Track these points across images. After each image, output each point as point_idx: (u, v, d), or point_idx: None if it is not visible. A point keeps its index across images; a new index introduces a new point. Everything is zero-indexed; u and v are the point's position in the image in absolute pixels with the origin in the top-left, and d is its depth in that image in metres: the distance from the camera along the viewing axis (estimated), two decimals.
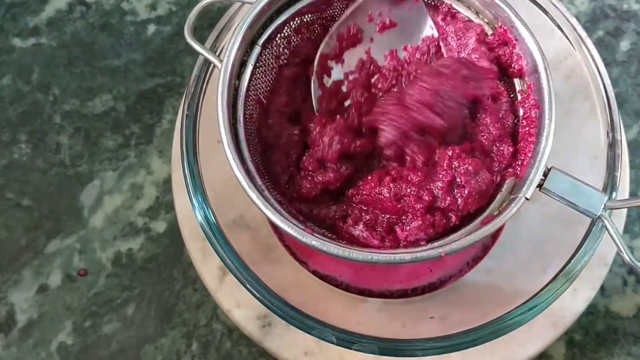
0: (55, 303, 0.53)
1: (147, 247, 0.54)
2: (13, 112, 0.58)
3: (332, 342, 0.40)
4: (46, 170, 0.56)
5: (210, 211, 0.42)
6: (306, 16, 0.45)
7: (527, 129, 0.41)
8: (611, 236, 0.38)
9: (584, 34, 0.44)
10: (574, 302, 0.46)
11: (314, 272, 0.48)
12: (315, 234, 0.38)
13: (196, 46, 0.42)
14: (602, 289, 0.52)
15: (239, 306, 0.47)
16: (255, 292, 0.41)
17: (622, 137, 0.43)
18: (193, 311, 0.52)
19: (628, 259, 0.37)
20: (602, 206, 0.38)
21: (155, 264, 0.54)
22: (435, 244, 0.38)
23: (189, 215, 0.47)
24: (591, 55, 0.44)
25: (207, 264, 0.48)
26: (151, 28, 0.61)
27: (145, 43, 0.61)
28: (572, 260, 0.41)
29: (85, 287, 0.53)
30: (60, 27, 0.61)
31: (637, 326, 0.51)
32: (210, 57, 0.42)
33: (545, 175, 0.38)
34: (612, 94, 0.43)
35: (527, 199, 0.38)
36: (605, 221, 0.38)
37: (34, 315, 0.52)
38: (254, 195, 0.38)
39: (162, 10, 0.62)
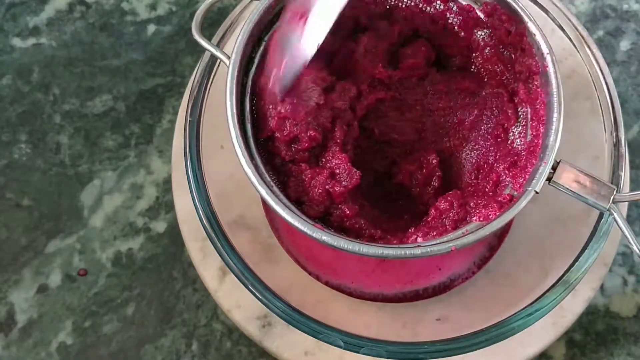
0: (55, 303, 0.53)
1: (147, 247, 0.54)
2: (13, 112, 0.58)
3: (339, 347, 0.40)
4: (46, 170, 0.56)
5: (212, 212, 0.43)
6: None
7: (534, 124, 0.41)
8: (620, 228, 0.38)
9: (585, 32, 0.44)
10: (574, 302, 0.46)
11: (327, 283, 0.48)
12: (325, 229, 0.38)
13: (204, 43, 0.42)
14: (602, 289, 0.52)
15: (239, 306, 0.47)
16: (258, 294, 0.41)
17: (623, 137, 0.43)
18: (193, 311, 0.52)
19: (637, 250, 0.37)
20: (612, 198, 0.38)
21: (155, 264, 0.54)
22: (445, 238, 0.39)
23: (189, 215, 0.47)
24: (593, 54, 0.44)
25: (207, 264, 0.48)
26: (151, 28, 0.61)
27: (145, 43, 0.61)
28: (579, 260, 0.41)
29: (85, 287, 0.53)
30: (60, 27, 0.61)
31: (637, 326, 0.51)
32: (218, 54, 0.42)
33: (554, 168, 0.39)
34: (614, 93, 0.43)
35: (536, 192, 0.38)
36: (615, 214, 0.38)
37: (34, 315, 0.52)
38: (263, 191, 0.39)
39: (162, 10, 0.62)
